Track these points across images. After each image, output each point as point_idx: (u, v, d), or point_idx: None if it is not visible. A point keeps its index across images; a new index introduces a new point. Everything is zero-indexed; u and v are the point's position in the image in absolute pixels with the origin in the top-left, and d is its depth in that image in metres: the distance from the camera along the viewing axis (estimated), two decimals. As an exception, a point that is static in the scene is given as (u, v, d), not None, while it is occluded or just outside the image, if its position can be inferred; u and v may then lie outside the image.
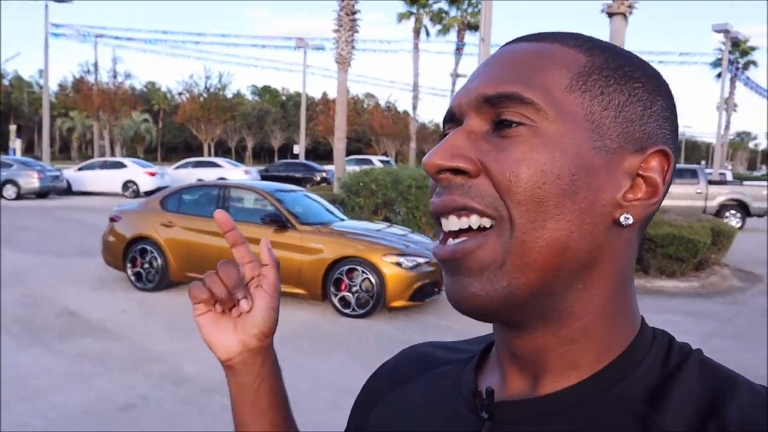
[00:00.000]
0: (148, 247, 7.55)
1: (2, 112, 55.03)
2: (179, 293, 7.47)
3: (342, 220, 7.82)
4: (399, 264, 6.42)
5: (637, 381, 0.52)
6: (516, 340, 0.55)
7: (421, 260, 6.58)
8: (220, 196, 7.53)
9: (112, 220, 8.00)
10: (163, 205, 7.74)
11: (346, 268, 6.53)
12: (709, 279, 9.11)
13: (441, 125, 0.59)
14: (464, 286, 0.51)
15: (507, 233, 0.50)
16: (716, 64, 37.75)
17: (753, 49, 41.48)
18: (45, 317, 6.29)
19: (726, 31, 24.02)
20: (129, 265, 7.66)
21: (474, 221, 0.51)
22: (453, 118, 0.56)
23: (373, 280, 6.41)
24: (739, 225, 15.81)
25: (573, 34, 0.56)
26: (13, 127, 33.52)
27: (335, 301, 6.58)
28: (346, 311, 6.51)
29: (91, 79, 30.95)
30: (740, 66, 39.92)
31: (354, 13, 15.61)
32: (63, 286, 7.68)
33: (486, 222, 0.51)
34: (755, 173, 58.92)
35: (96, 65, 31.05)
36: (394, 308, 6.55)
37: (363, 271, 6.45)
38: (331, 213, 7.98)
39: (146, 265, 7.56)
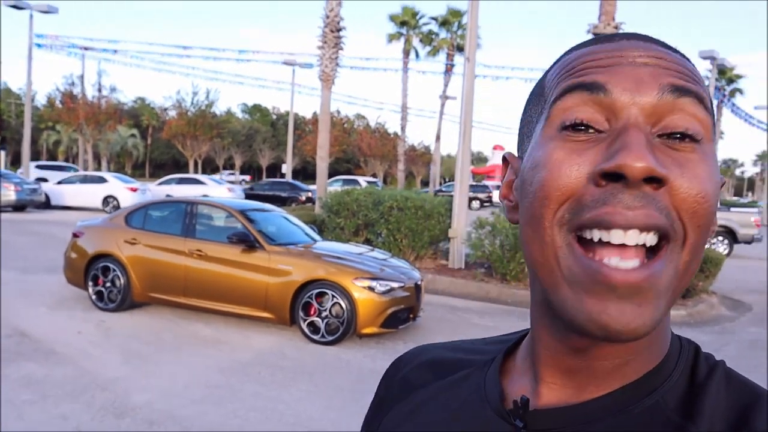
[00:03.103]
0: (111, 265, 7.17)
1: (-12, 124, 54.39)
2: (142, 314, 7.08)
3: (315, 241, 7.49)
4: (371, 288, 6.08)
5: (670, 390, 0.52)
6: (587, 345, 0.52)
7: (395, 285, 6.24)
8: (187, 212, 7.17)
9: (75, 235, 7.64)
10: (128, 221, 7.37)
11: (315, 291, 6.18)
12: (696, 307, 8.83)
13: (558, 92, 0.52)
14: (635, 316, 0.46)
15: (677, 255, 0.48)
16: (703, 91, 37.93)
17: (739, 77, 41.79)
18: (-8, 338, 5.89)
19: (713, 58, 24.14)
20: (90, 283, 7.28)
21: (650, 239, 0.47)
22: (594, 90, 0.50)
23: (343, 304, 6.06)
24: (726, 251, 15.63)
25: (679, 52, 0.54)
26: (-4, 139, 32.96)
27: (304, 326, 6.21)
28: (315, 337, 6.15)
29: (76, 91, 30.58)
30: (726, 93, 40.19)
31: (339, 30, 15.37)
32: (20, 304, 7.26)
33: (654, 240, 0.47)
34: (742, 200, 59.21)
35: (82, 78, 30.71)
36: (365, 335, 6.19)
37: (333, 295, 6.10)
38: (308, 235, 7.65)
39: (108, 284, 7.17)
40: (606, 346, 0.52)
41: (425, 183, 55.04)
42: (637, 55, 0.50)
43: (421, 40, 34.81)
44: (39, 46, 26.45)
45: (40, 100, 53.75)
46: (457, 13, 33.36)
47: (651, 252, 0.48)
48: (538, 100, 0.56)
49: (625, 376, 0.53)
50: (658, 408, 0.51)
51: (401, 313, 6.28)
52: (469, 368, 0.65)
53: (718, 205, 0.54)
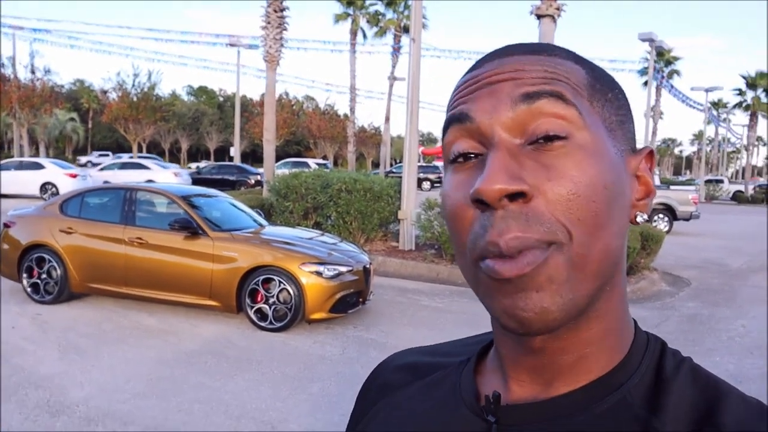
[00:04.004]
0: (46, 256, 6.86)
1: None
2: (81, 306, 6.82)
3: (262, 226, 7.34)
4: (319, 273, 5.99)
5: (636, 385, 0.53)
6: (540, 344, 0.54)
7: (343, 269, 6.17)
8: (126, 199, 6.90)
9: (6, 225, 7.27)
10: (63, 210, 7.05)
11: (262, 278, 6.05)
12: (638, 284, 9.07)
13: (444, 126, 0.56)
14: (534, 302, 0.49)
15: (568, 249, 0.49)
16: (643, 71, 38.92)
17: (676, 59, 42.95)
18: None
19: (651, 40, 24.71)
20: (25, 275, 6.96)
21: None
22: (462, 120, 0.54)
23: (290, 290, 5.95)
24: (666, 229, 16.14)
25: (555, 46, 0.56)
26: None
27: (251, 313, 6.09)
28: (263, 324, 6.03)
29: (7, 73, 29.07)
30: (665, 75, 41.32)
31: (282, 10, 14.99)
32: (-52, 299, 6.89)
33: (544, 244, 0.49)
34: (680, 178, 61.36)
35: (13, 59, 29.17)
36: (314, 321, 6.11)
37: (280, 281, 5.99)
38: (255, 220, 7.48)
39: (44, 276, 6.87)
40: (557, 342, 0.53)
41: (376, 164, 54.99)
42: (493, 74, 0.53)
43: (368, 21, 34.38)
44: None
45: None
46: (403, -7, 33.10)
47: None
48: None
49: (590, 371, 0.54)
50: (624, 403, 0.52)
51: (350, 297, 6.22)
52: (445, 369, 0.66)
53: (657, 183, 0.54)
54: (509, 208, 0.49)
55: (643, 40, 24.91)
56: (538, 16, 10.48)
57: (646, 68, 30.80)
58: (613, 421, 0.52)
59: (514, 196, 0.48)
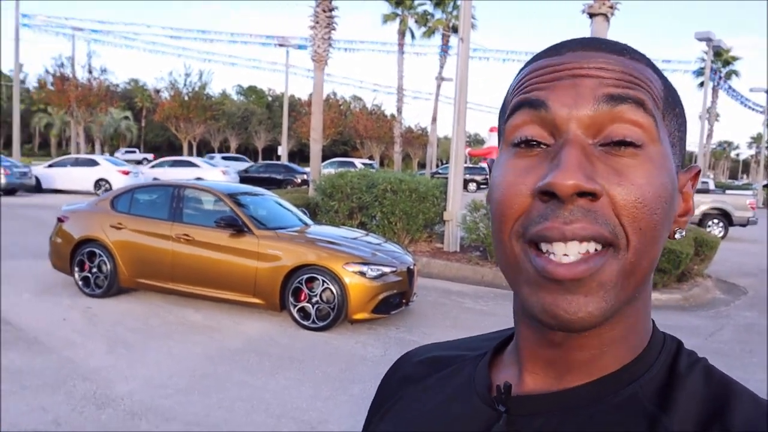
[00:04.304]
0: (97, 250, 7.02)
1: (-21, 107, 53.69)
2: (130, 300, 6.95)
3: (308, 225, 7.34)
4: (362, 273, 5.95)
5: (648, 382, 0.54)
6: (561, 339, 0.55)
7: (387, 270, 6.12)
8: (174, 196, 7.00)
9: (60, 220, 7.47)
10: (114, 206, 7.21)
11: (305, 276, 6.05)
12: (691, 291, 8.74)
13: (509, 109, 0.56)
14: (580, 306, 0.50)
15: (623, 256, 0.50)
16: (699, 72, 37.64)
17: (735, 59, 41.40)
18: (-25, 326, 5.74)
19: (708, 40, 23.92)
20: (77, 269, 7.14)
21: (593, 246, 0.50)
22: (537, 107, 0.53)
23: (334, 290, 5.93)
24: (721, 234, 15.56)
25: (635, 50, 0.56)
26: (-14, 122, 32.55)
27: (294, 312, 6.09)
28: (306, 323, 6.03)
29: (66, 73, 30.18)
30: (722, 75, 39.87)
31: (331, 10, 15.05)
32: (4, 290, 7.11)
33: (597, 246, 0.50)
34: (737, 182, 59.19)
35: (72, 59, 30.24)
36: (357, 321, 6.07)
37: (324, 281, 5.98)
38: (300, 219, 7.50)
39: (95, 270, 7.03)
40: (579, 338, 0.54)
41: (422, 165, 54.87)
42: (577, 68, 0.52)
43: (416, 21, 34.32)
44: (26, 26, 26.01)
45: (32, 82, 53.12)
46: (452, -7, 32.89)
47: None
48: (502, 114, 0.59)
49: (604, 366, 0.55)
50: (635, 398, 0.53)
51: (393, 298, 6.16)
52: (462, 362, 0.67)
53: (699, 190, 0.48)
54: (578, 203, 0.49)
55: (700, 40, 24.13)
56: (591, 15, 10.22)
57: (703, 69, 29.77)
58: (623, 414, 0.52)
59: (583, 194, 0.49)
